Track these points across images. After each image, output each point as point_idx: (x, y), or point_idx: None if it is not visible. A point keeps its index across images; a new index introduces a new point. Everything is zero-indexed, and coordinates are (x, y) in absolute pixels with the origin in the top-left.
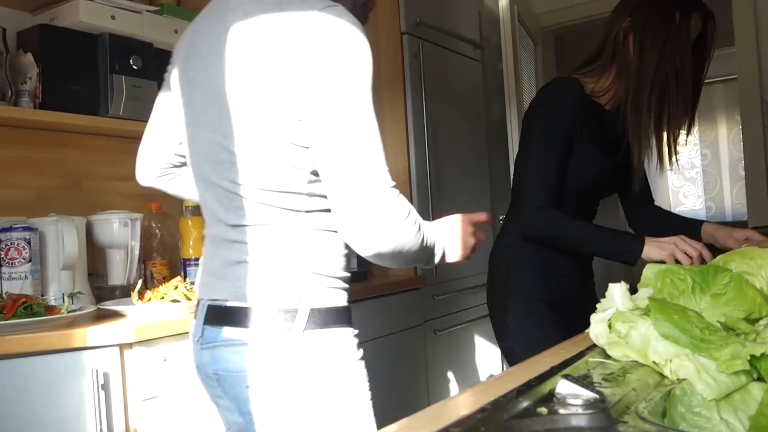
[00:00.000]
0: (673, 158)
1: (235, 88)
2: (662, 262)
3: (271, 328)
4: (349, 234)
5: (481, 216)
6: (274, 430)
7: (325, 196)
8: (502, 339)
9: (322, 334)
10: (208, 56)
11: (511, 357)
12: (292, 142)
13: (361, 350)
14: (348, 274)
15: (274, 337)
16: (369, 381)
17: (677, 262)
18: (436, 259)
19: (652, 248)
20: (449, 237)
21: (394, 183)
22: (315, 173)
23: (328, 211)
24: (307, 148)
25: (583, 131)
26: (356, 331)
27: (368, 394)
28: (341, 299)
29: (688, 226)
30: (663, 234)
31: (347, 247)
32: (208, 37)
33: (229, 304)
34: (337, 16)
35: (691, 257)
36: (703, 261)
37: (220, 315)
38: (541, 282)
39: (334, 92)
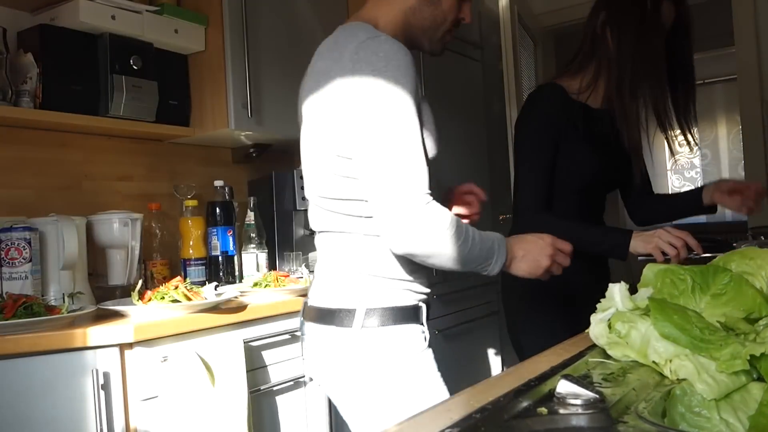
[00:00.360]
0: (691, 140)
1: (308, 111)
2: (650, 255)
3: (333, 325)
4: (382, 234)
5: (565, 246)
6: (340, 410)
7: None
8: (512, 335)
9: (379, 331)
10: (306, 86)
11: (520, 354)
12: (341, 155)
13: (424, 345)
14: (409, 278)
15: (335, 333)
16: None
17: (664, 254)
18: (493, 268)
19: (637, 242)
20: (521, 251)
21: (427, 191)
22: None
23: None
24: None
25: (569, 132)
26: (422, 328)
27: (426, 389)
28: (403, 299)
29: (686, 201)
30: (664, 221)
31: None
32: (309, 71)
33: (309, 302)
34: (375, 45)
35: (676, 247)
36: (689, 249)
37: (305, 311)
38: (548, 281)
39: (366, 110)
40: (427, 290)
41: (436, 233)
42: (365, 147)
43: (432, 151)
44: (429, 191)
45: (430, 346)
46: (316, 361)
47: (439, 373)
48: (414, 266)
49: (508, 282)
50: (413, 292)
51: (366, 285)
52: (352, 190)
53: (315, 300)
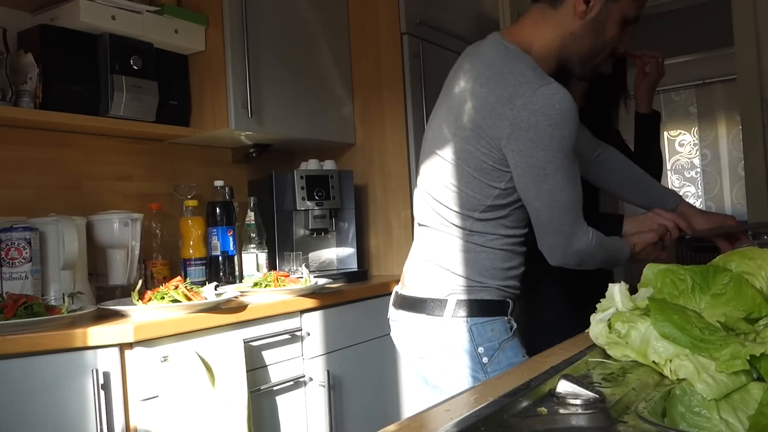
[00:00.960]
0: None
1: (452, 119)
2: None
3: (424, 314)
4: (544, 252)
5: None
6: (417, 388)
7: (491, 222)
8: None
9: (467, 321)
10: (446, 89)
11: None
12: (482, 180)
13: (509, 334)
14: (500, 282)
15: (426, 321)
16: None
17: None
18: (621, 263)
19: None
20: (639, 245)
21: (582, 220)
22: (491, 207)
23: (488, 234)
24: (494, 187)
25: None
26: (506, 318)
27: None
28: (491, 295)
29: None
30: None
31: (505, 261)
32: (450, 76)
33: (400, 290)
34: (550, 95)
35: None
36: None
37: (396, 298)
38: (551, 286)
39: (534, 165)
40: (516, 291)
41: (588, 254)
42: (542, 196)
43: None
44: (583, 220)
45: (515, 335)
46: (406, 345)
47: (525, 359)
48: (506, 275)
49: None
50: (501, 291)
51: (457, 281)
52: (474, 209)
53: (407, 289)
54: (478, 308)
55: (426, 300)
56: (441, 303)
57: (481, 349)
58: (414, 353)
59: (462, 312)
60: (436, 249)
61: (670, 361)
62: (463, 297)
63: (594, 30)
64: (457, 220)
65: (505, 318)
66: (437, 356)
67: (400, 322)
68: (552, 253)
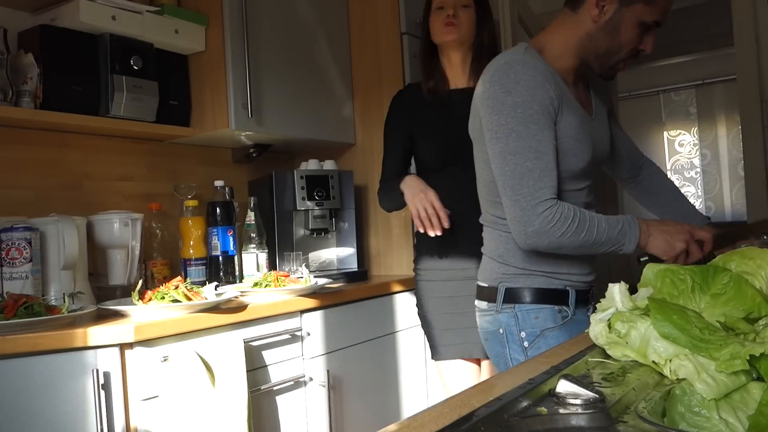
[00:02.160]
0: None
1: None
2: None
3: (484, 301)
4: (512, 233)
5: (705, 234)
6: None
7: None
8: None
9: (514, 308)
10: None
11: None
12: (487, 160)
13: (556, 324)
14: (550, 269)
15: (484, 306)
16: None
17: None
18: (627, 248)
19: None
20: (658, 230)
21: (545, 198)
22: None
23: None
24: None
25: None
26: (556, 308)
27: None
28: (538, 282)
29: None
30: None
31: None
32: None
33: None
34: (507, 67)
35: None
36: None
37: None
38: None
39: (496, 126)
40: (583, 278)
41: (554, 234)
42: (495, 160)
43: (584, 156)
44: (549, 197)
45: (567, 324)
46: (479, 328)
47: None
48: (555, 260)
49: None
50: (553, 278)
51: (503, 270)
52: (491, 190)
53: (477, 280)
54: (524, 295)
55: (484, 288)
56: (494, 290)
57: (523, 334)
58: (482, 335)
59: (509, 298)
60: (486, 241)
61: (670, 361)
62: (511, 285)
63: (608, 32)
64: (492, 210)
65: (556, 307)
66: (493, 338)
67: (477, 308)
68: (515, 230)
